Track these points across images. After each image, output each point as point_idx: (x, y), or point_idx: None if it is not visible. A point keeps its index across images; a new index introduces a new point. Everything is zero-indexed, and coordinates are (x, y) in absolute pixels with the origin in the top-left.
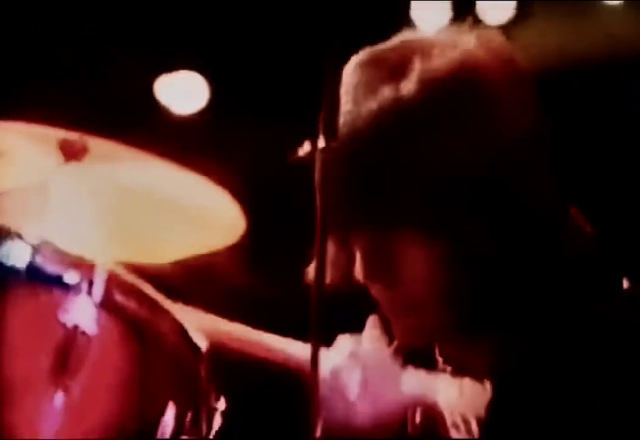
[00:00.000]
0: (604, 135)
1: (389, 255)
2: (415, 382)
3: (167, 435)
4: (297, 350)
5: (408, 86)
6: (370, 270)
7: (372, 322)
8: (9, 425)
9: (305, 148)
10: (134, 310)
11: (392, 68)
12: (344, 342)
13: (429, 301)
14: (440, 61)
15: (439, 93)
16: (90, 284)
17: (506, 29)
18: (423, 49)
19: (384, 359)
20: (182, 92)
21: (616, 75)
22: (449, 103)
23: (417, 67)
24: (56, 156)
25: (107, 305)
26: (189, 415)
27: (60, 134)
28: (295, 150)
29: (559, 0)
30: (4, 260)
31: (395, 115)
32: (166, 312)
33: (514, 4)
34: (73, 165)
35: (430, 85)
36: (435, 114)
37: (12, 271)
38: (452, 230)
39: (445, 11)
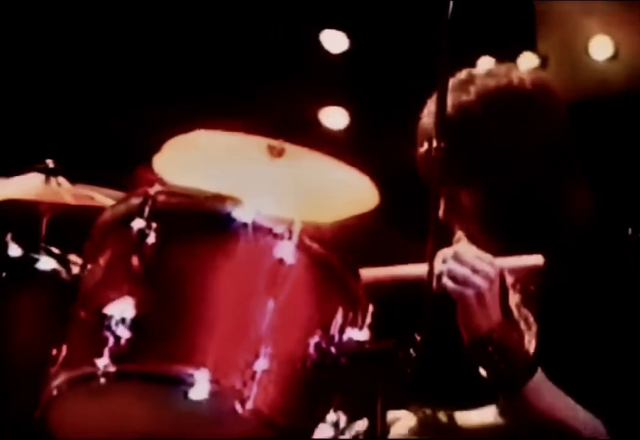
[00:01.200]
0: None
1: (458, 203)
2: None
3: (337, 327)
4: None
5: (470, 96)
6: (447, 211)
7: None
8: (238, 322)
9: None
10: (316, 249)
11: (461, 83)
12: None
13: (477, 234)
14: (494, 81)
15: (492, 100)
16: (290, 233)
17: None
18: (483, 73)
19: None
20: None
21: None
22: (498, 108)
23: (478, 83)
24: (265, 155)
25: (299, 245)
26: (351, 315)
27: (267, 140)
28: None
29: None
30: (240, 219)
31: (461, 117)
32: (333, 250)
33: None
34: (275, 161)
35: (486, 96)
36: (490, 115)
37: (244, 225)
38: (492, 186)
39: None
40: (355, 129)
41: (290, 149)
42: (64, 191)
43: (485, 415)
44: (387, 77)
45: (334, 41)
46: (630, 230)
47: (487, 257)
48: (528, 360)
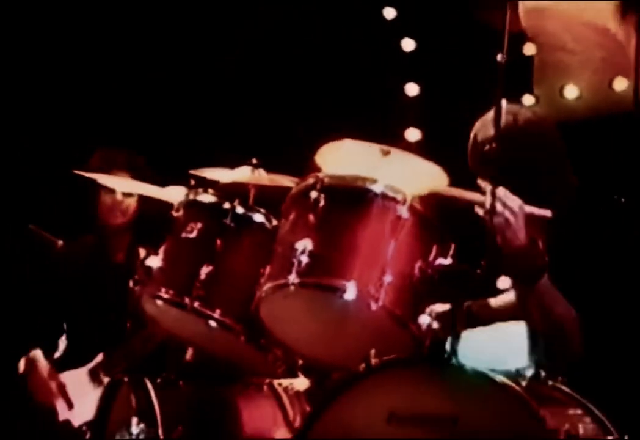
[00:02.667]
0: None
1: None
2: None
3: (432, 256)
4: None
5: (507, 126)
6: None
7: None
8: (373, 253)
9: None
10: (419, 209)
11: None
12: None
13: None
14: (520, 118)
15: (519, 131)
16: (404, 199)
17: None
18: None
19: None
20: None
21: None
22: (524, 136)
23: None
24: (377, 155)
25: (410, 207)
26: (440, 249)
27: (380, 146)
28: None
29: None
30: (375, 191)
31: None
32: (427, 210)
33: None
34: (384, 159)
35: (516, 126)
36: (519, 139)
37: (377, 195)
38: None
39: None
40: (426, 140)
41: (394, 151)
42: (263, 177)
43: (509, 298)
44: (450, 105)
45: (411, 88)
46: (615, 196)
47: (516, 199)
48: (543, 267)
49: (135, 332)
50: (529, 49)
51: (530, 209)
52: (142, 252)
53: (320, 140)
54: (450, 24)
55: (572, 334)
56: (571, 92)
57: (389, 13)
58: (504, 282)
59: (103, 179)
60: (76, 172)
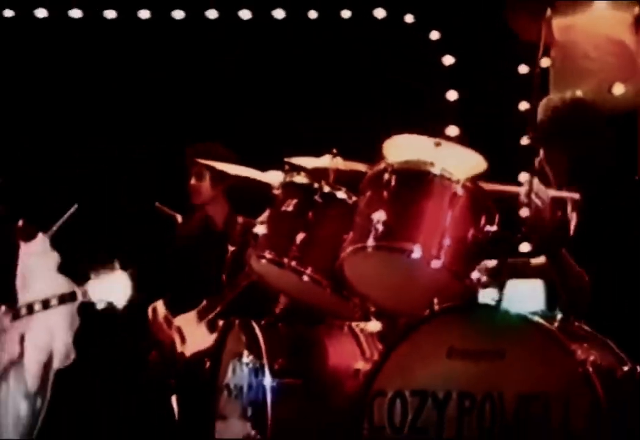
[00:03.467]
0: None
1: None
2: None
3: (481, 225)
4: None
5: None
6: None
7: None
8: (434, 222)
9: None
10: (471, 186)
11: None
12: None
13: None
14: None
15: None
16: (458, 180)
17: None
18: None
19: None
20: None
21: None
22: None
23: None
24: (430, 146)
25: (463, 185)
26: (488, 219)
27: (433, 139)
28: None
29: None
30: (434, 172)
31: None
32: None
33: None
34: (436, 149)
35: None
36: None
37: (435, 175)
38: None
39: None
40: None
41: (443, 143)
42: (341, 163)
43: (543, 260)
44: (482, 107)
45: (451, 94)
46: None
47: (546, 191)
48: (562, 241)
49: (228, 284)
50: (545, 62)
51: (560, 193)
52: (239, 221)
53: (385, 135)
54: (479, 44)
55: (584, 290)
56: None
57: (434, 35)
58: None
59: (219, 165)
60: (198, 160)
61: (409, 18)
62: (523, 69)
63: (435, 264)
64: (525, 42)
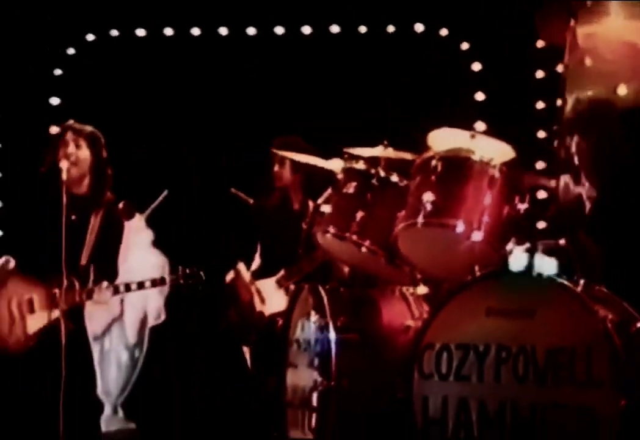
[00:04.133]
0: None
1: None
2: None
3: (515, 201)
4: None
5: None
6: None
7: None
8: (475, 201)
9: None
10: (505, 169)
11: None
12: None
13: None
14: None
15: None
16: (495, 165)
17: None
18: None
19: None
20: None
21: None
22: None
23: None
24: (467, 138)
25: (500, 169)
26: (519, 194)
27: (468, 132)
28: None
29: None
30: (474, 158)
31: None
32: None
33: None
34: (472, 140)
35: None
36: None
37: (475, 161)
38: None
39: None
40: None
41: (477, 135)
42: (392, 153)
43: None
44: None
45: (479, 95)
46: None
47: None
48: (580, 223)
49: (304, 255)
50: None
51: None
52: (310, 203)
53: (427, 129)
54: (502, 53)
55: (598, 262)
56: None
57: (465, 46)
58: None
59: (294, 155)
60: (274, 151)
61: (443, 32)
62: (540, 73)
63: (476, 236)
64: (541, 50)
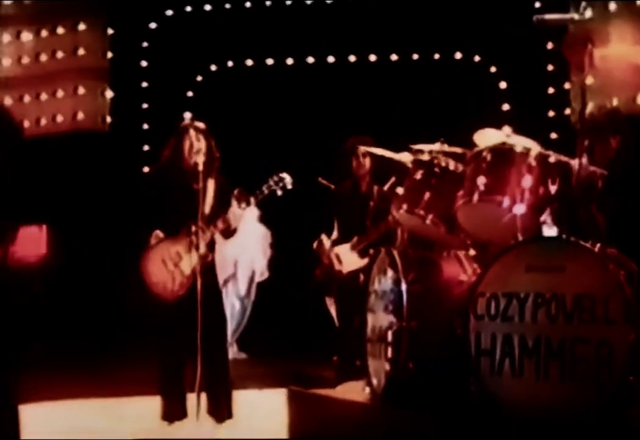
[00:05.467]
0: None
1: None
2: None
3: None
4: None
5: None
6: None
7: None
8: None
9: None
10: (541, 159)
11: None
12: None
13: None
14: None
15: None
16: (532, 155)
17: None
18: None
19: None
20: None
21: None
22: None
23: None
24: (504, 136)
25: (536, 157)
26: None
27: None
28: None
29: None
30: (516, 150)
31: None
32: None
33: None
34: (508, 138)
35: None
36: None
37: (517, 153)
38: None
39: None
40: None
41: (512, 134)
42: (447, 147)
43: None
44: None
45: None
46: None
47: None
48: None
49: (371, 226)
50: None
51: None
52: (375, 188)
53: (471, 130)
54: (523, 73)
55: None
56: None
57: (493, 69)
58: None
59: (373, 149)
60: (362, 147)
61: (476, 58)
62: (551, 90)
63: (518, 210)
64: (552, 72)
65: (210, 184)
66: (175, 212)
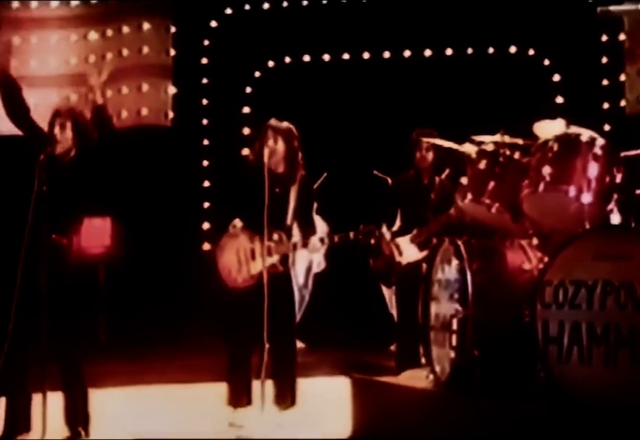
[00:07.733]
0: None
1: None
2: None
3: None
4: None
5: None
6: None
7: None
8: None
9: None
10: (605, 149)
11: None
12: None
13: None
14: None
15: None
16: (598, 144)
17: None
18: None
19: None
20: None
21: None
22: None
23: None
24: (564, 126)
25: (601, 147)
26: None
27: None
28: None
29: None
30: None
31: None
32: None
33: None
34: (567, 128)
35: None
36: None
37: (582, 139)
38: None
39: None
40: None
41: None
42: (507, 138)
43: None
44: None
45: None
46: None
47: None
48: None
49: (432, 218)
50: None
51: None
52: (437, 180)
53: (530, 122)
54: (576, 66)
55: None
56: None
57: (546, 62)
58: None
59: (437, 141)
60: (426, 140)
61: (531, 52)
62: (605, 82)
63: (585, 199)
64: (605, 64)
65: (293, 191)
66: (259, 211)
